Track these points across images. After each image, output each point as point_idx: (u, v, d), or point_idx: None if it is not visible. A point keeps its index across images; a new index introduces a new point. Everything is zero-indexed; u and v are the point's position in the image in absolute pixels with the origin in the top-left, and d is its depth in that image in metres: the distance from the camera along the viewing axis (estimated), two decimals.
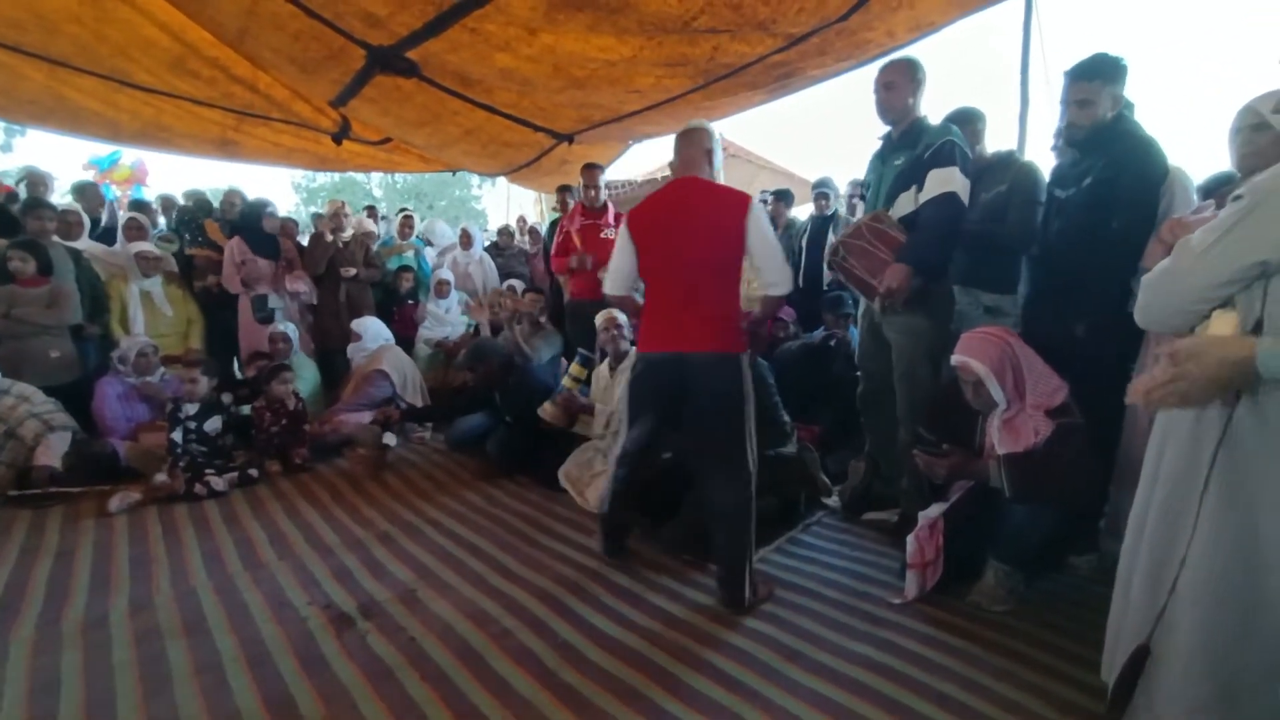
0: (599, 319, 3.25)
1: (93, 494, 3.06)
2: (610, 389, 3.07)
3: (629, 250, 2.13)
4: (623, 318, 3.16)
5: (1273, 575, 1.08)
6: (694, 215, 2.02)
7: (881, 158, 2.52)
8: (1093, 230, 2.08)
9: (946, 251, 2.30)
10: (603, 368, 3.18)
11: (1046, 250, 2.30)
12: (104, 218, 4.54)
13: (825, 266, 2.63)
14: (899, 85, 2.33)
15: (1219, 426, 1.13)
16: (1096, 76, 2.06)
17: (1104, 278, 2.07)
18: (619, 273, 2.20)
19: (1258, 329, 1.09)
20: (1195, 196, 2.23)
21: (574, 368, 3.22)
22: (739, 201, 2.02)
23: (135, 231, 4.16)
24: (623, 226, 2.16)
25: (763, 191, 6.31)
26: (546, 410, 3.15)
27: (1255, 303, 1.10)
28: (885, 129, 2.48)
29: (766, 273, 2.06)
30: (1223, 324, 1.15)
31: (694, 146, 2.11)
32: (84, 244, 3.95)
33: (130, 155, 7.92)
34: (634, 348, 3.13)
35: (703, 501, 2.15)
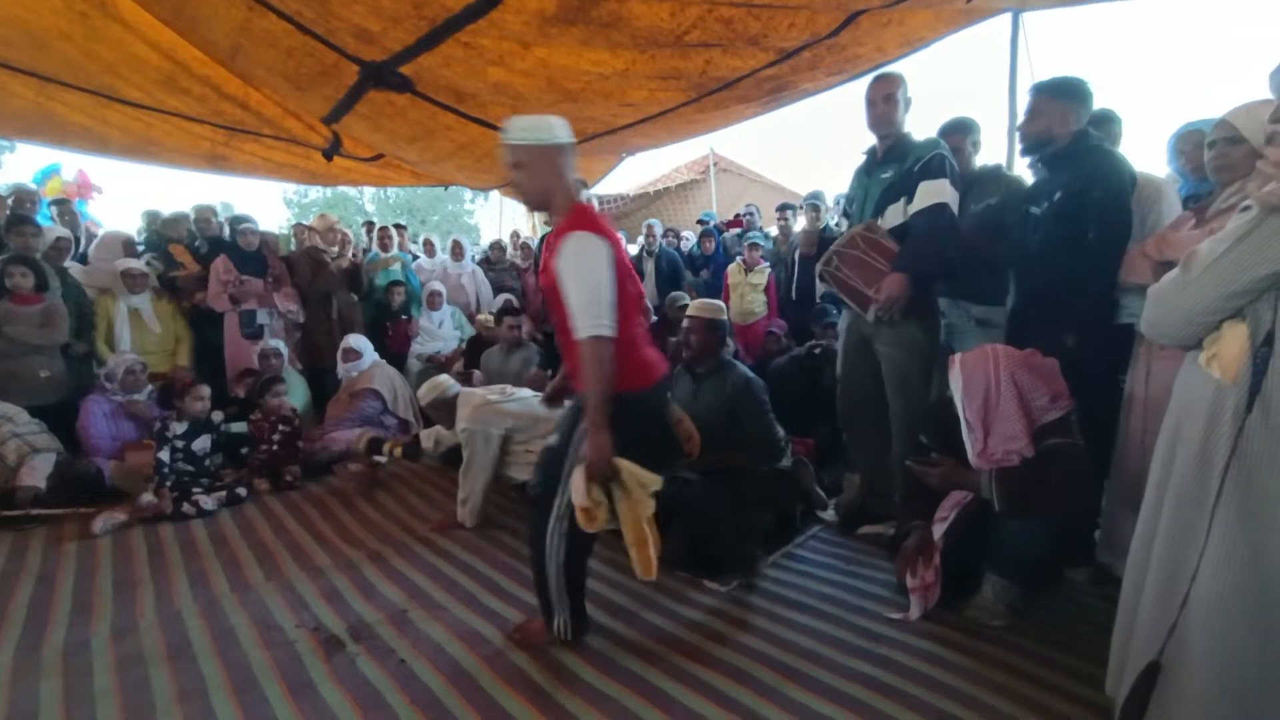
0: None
1: (76, 515, 3.00)
2: None
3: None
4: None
5: None
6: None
7: (867, 171, 2.51)
8: (1068, 243, 2.09)
9: (941, 260, 2.30)
10: None
11: (1027, 263, 2.32)
12: (83, 243, 4.54)
13: (818, 278, 2.62)
14: (897, 99, 2.35)
15: (1231, 437, 1.11)
16: (1044, 92, 2.13)
17: (1085, 289, 2.09)
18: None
19: (1269, 341, 1.07)
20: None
21: None
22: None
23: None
24: (608, 251, 1.68)
25: (748, 205, 6.36)
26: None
27: (1266, 314, 1.08)
28: (870, 144, 2.49)
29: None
30: (1234, 336, 1.12)
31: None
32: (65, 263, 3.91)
33: (71, 168, 7.13)
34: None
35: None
